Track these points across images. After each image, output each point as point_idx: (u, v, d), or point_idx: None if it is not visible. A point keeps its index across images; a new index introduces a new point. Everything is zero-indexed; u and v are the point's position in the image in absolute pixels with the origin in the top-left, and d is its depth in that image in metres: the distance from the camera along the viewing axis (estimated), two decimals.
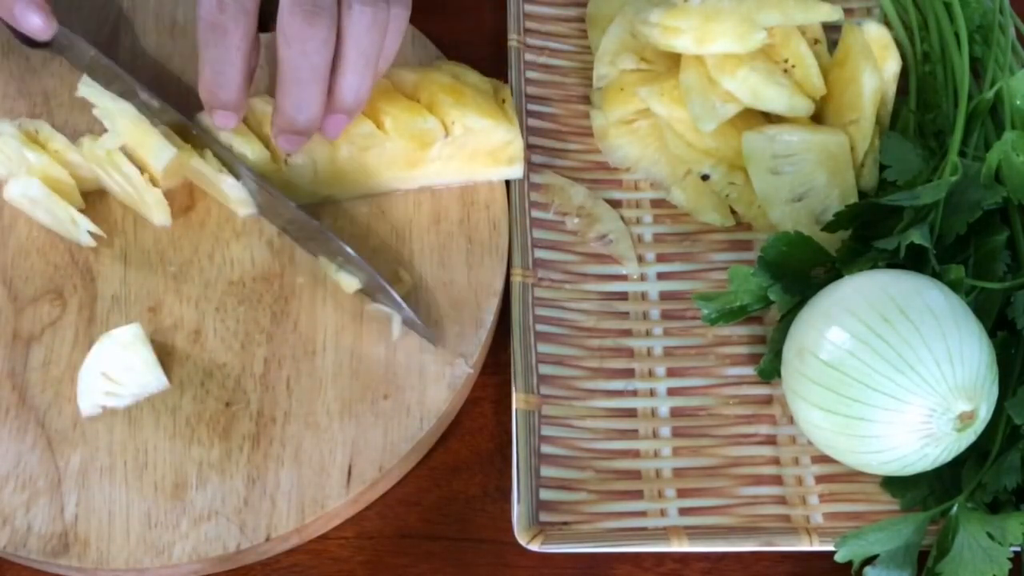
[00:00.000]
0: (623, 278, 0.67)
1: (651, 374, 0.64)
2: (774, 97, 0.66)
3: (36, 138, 0.64)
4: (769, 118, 0.69)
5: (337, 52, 0.59)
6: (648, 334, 0.65)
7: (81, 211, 0.64)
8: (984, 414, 0.56)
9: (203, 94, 0.61)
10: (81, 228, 0.63)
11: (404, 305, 0.61)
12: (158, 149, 0.63)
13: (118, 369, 0.59)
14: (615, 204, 0.69)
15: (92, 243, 0.64)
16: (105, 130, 0.63)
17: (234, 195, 0.64)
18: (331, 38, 0.58)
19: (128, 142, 0.63)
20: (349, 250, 0.62)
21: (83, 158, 0.63)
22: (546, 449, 0.61)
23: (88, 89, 0.64)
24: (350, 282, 0.62)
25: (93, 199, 0.65)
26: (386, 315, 0.62)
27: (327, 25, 0.57)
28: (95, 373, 0.59)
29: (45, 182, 0.63)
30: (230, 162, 0.63)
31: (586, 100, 0.73)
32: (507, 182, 0.67)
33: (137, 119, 0.63)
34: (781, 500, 0.61)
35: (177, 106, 0.65)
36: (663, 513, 0.60)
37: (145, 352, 0.60)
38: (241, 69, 0.60)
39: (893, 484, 0.60)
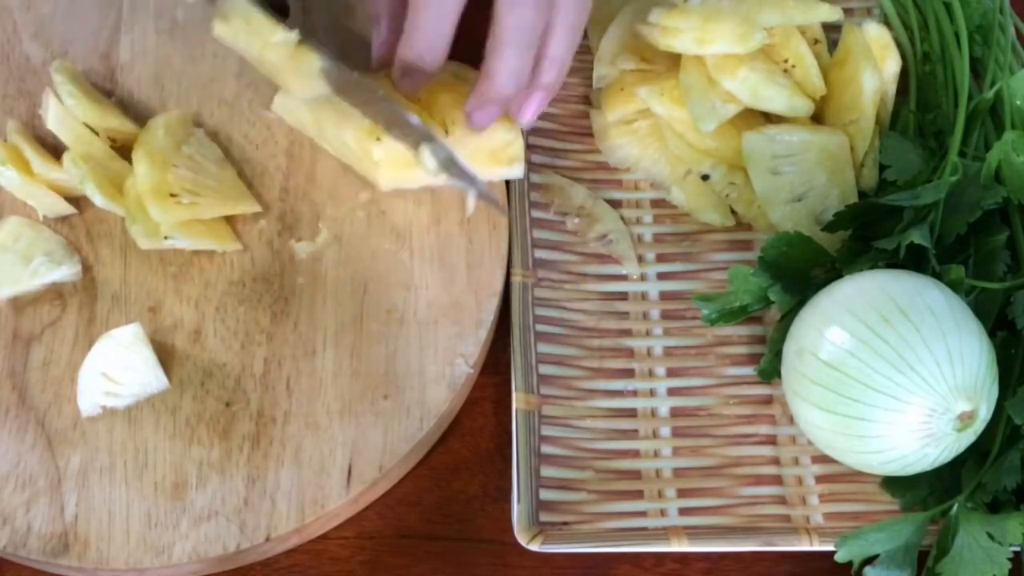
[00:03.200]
0: (623, 278, 0.67)
1: (651, 374, 0.64)
2: (774, 97, 0.66)
3: (21, 154, 0.64)
4: (769, 118, 0.69)
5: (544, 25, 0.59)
6: (648, 334, 0.65)
7: (73, 215, 0.65)
8: (984, 414, 0.56)
9: (407, 57, 0.59)
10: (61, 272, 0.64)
11: (477, 178, 0.60)
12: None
13: (118, 369, 0.59)
14: (615, 204, 0.69)
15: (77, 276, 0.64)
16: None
17: (311, 67, 0.61)
18: (549, 6, 0.58)
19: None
20: (430, 130, 0.60)
21: (65, 174, 0.64)
22: (546, 449, 0.61)
23: None
24: (430, 160, 0.60)
25: (88, 201, 0.65)
26: (461, 189, 0.61)
27: None
28: (95, 373, 0.59)
29: (24, 195, 0.64)
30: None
31: (586, 100, 0.73)
32: (507, 182, 0.67)
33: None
34: (781, 500, 0.61)
35: None
36: (663, 513, 0.60)
37: (145, 352, 0.60)
38: (451, 36, 0.59)
39: (893, 484, 0.60)
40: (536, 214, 0.68)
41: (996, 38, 0.70)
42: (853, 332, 0.56)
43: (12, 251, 0.63)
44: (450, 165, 0.60)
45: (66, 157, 0.63)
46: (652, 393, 0.64)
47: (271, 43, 0.60)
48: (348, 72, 0.61)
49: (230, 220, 0.65)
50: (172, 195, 0.63)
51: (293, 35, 0.60)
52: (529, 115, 0.62)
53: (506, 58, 0.58)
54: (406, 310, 0.63)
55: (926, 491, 0.59)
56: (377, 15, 0.62)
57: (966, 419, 0.55)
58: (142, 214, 0.62)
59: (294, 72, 0.62)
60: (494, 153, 0.66)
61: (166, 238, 0.62)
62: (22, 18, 0.71)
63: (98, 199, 0.63)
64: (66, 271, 0.63)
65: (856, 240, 0.63)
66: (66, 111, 0.65)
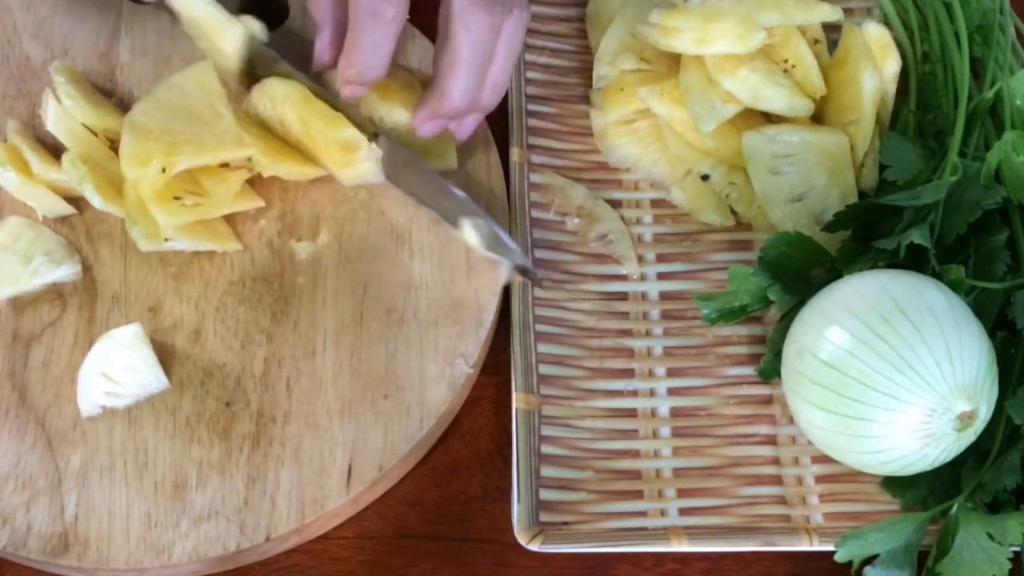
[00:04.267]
0: (623, 278, 0.67)
1: (651, 374, 0.64)
2: (774, 97, 0.66)
3: (20, 155, 0.64)
4: (769, 118, 0.69)
5: None
6: (648, 334, 0.65)
7: (73, 215, 0.65)
8: (984, 414, 0.56)
9: (347, 73, 0.61)
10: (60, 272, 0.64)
11: (515, 248, 0.63)
12: (227, 29, 0.64)
13: (118, 369, 0.59)
14: (615, 204, 0.69)
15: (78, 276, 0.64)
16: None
17: (369, 157, 0.64)
18: (498, 31, 0.60)
19: (199, 25, 0.64)
20: (473, 204, 0.63)
21: (64, 175, 0.64)
22: (546, 449, 0.61)
23: None
24: (472, 235, 0.63)
25: (88, 201, 0.64)
26: (496, 261, 0.63)
27: (501, 14, 0.59)
28: (95, 373, 0.59)
29: (23, 195, 0.64)
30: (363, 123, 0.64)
31: (586, 100, 0.73)
32: (507, 182, 0.67)
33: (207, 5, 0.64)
34: (781, 500, 0.61)
35: None
36: (663, 513, 0.60)
37: (145, 352, 0.60)
38: (391, 54, 0.61)
39: (893, 484, 0.60)
40: (536, 214, 0.68)
41: (996, 38, 0.70)
42: (853, 332, 0.56)
43: (12, 251, 0.63)
44: (492, 240, 0.63)
45: (65, 158, 0.63)
46: (652, 393, 0.64)
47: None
48: (395, 144, 0.63)
49: (230, 220, 0.65)
50: (176, 197, 0.62)
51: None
52: (467, 133, 0.65)
53: (461, 77, 0.60)
54: (406, 310, 0.63)
55: (926, 491, 0.59)
56: (320, 22, 0.63)
57: (966, 419, 0.55)
58: (142, 216, 0.62)
59: (347, 163, 0.64)
60: (424, 147, 0.66)
61: (166, 240, 0.62)
62: (22, 18, 0.71)
63: (96, 200, 0.63)
64: (66, 271, 0.63)
65: (856, 240, 0.63)
66: (65, 112, 0.64)
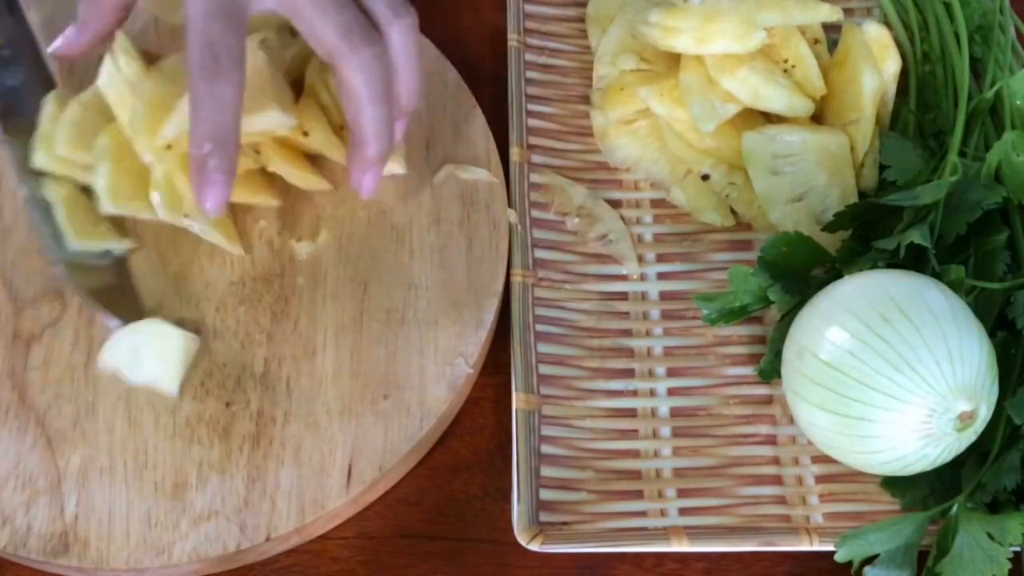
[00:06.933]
0: (623, 278, 0.67)
1: (651, 374, 0.64)
2: (774, 97, 0.66)
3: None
4: (769, 118, 0.69)
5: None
6: (648, 334, 0.65)
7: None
8: (984, 414, 0.56)
9: (195, 161, 0.57)
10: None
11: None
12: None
13: (148, 351, 0.60)
14: (615, 204, 0.69)
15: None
16: None
17: None
18: (387, 52, 0.59)
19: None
20: None
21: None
22: (546, 449, 0.61)
23: None
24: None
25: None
26: None
27: (381, 41, 0.58)
28: (127, 342, 0.60)
29: None
30: None
31: (586, 100, 0.73)
32: (507, 182, 0.67)
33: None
34: (781, 500, 0.61)
35: None
36: (663, 513, 0.60)
37: (175, 357, 0.60)
38: (237, 127, 0.57)
39: (893, 484, 0.60)
40: (536, 214, 0.68)
41: (996, 38, 0.70)
42: (853, 332, 0.56)
43: (88, 208, 0.63)
44: None
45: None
46: (652, 393, 0.64)
47: None
48: None
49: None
50: None
51: None
52: (398, 138, 0.63)
53: (372, 117, 0.58)
54: (406, 310, 0.63)
55: (926, 491, 0.59)
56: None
57: (966, 419, 0.55)
58: (167, 186, 0.61)
59: None
60: None
61: (186, 216, 0.62)
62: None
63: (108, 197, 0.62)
64: (122, 244, 0.64)
65: (856, 240, 0.63)
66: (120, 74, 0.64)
